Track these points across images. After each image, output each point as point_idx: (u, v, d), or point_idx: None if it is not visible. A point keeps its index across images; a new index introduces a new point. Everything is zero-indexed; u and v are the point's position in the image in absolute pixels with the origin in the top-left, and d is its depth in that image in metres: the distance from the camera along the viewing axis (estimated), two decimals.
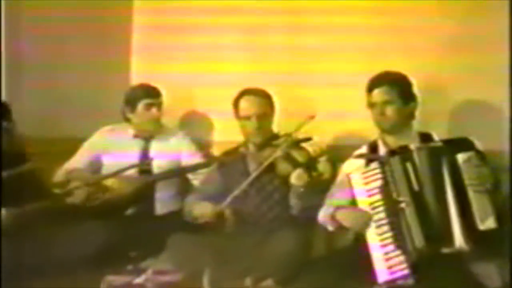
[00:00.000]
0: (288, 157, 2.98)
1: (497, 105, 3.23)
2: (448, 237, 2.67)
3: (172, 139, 3.52)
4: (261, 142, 3.11)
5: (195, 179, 3.44)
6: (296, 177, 2.90)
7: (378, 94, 2.91)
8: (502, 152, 3.07)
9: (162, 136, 3.52)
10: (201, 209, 3.11)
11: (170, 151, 3.49)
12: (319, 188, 2.94)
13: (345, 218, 2.82)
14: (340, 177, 2.98)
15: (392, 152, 2.84)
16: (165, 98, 3.52)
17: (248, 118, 3.15)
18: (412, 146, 2.80)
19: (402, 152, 2.79)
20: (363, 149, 3.00)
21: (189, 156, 3.50)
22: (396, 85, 2.91)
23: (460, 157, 2.72)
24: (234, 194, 3.03)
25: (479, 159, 2.71)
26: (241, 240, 3.08)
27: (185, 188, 3.48)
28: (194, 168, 3.42)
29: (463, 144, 2.78)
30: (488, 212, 2.64)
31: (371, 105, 2.94)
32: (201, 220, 3.07)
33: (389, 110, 2.90)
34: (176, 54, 3.71)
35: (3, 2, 3.73)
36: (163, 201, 3.46)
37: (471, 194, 2.67)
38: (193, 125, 3.73)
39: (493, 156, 2.88)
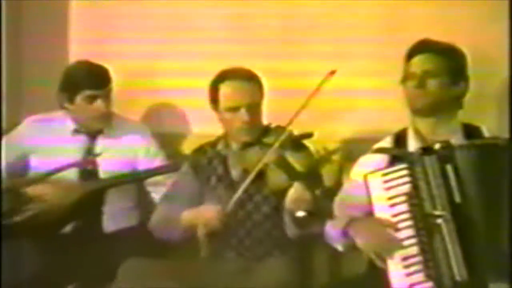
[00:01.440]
0: (282, 163, 2.70)
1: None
2: (499, 269, 2.40)
3: (126, 134, 3.25)
4: (251, 140, 2.84)
5: (156, 192, 3.18)
6: (293, 199, 2.61)
7: (419, 61, 2.69)
8: None
9: (112, 131, 3.24)
10: (200, 214, 2.81)
11: (124, 150, 3.22)
12: (326, 210, 2.66)
13: (361, 233, 2.53)
14: (353, 178, 2.73)
15: (426, 149, 2.54)
16: (117, 81, 3.23)
17: (234, 110, 2.86)
18: (455, 142, 2.53)
19: (441, 149, 2.51)
20: (387, 141, 2.74)
21: (148, 156, 3.24)
22: (445, 55, 2.69)
23: None
24: (236, 196, 2.75)
25: None
26: (219, 268, 2.83)
27: (144, 200, 3.25)
28: (157, 171, 3.15)
29: None
30: None
31: (407, 76, 2.70)
32: (202, 231, 2.76)
33: (432, 83, 2.66)
34: (131, 22, 3.50)
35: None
36: (113, 216, 3.19)
37: None
38: (156, 115, 3.51)
39: None
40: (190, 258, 2.84)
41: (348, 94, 3.15)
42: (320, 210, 2.59)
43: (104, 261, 2.92)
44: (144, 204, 3.22)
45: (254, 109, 2.85)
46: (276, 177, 2.71)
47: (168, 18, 3.43)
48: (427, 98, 2.66)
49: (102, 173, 3.15)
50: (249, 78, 2.89)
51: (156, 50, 3.45)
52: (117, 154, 3.18)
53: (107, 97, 3.14)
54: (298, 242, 2.78)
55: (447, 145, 2.51)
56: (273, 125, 2.87)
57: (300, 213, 2.59)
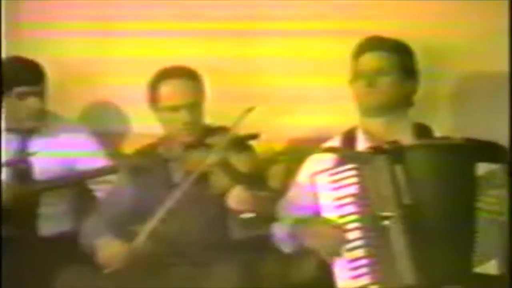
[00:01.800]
0: (225, 165, 2.66)
1: None
2: (451, 271, 2.39)
3: (63, 133, 3.17)
4: (192, 141, 2.79)
5: (99, 190, 3.13)
6: (236, 199, 2.57)
7: (368, 59, 2.67)
8: None
9: (48, 130, 3.15)
10: (107, 251, 2.73)
11: (61, 150, 3.13)
12: (272, 211, 2.65)
13: (309, 234, 2.52)
14: (301, 178, 2.70)
15: (375, 149, 2.51)
16: (53, 77, 3.17)
17: (174, 109, 2.81)
18: (406, 142, 2.50)
19: (391, 149, 2.48)
20: (336, 141, 2.71)
21: (87, 155, 3.15)
22: (395, 52, 2.68)
23: (482, 167, 2.41)
24: (150, 226, 2.69)
25: (505, 179, 2.43)
26: (163, 276, 2.75)
27: (83, 202, 3.17)
28: (96, 173, 3.07)
29: (490, 150, 2.47)
30: (492, 251, 2.39)
31: (356, 75, 2.68)
32: (108, 267, 2.69)
33: (383, 82, 2.65)
34: (69, 15, 3.43)
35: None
36: (50, 219, 3.10)
37: (480, 219, 2.40)
38: (96, 113, 3.44)
39: None
40: (131, 266, 2.71)
41: (296, 92, 3.12)
42: (264, 212, 2.57)
43: (39, 267, 2.82)
44: (80, 207, 3.15)
45: (195, 109, 2.81)
46: (219, 180, 2.67)
47: (108, 10, 3.38)
48: (378, 97, 2.65)
49: (38, 174, 3.06)
50: (190, 76, 2.85)
51: (94, 45, 3.38)
52: (54, 153, 3.09)
53: (40, 95, 3.06)
54: (246, 247, 2.73)
55: (396, 145, 2.48)
56: (215, 125, 2.83)
57: (245, 215, 2.56)
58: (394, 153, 2.46)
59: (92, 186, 3.13)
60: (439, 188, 2.44)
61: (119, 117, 3.40)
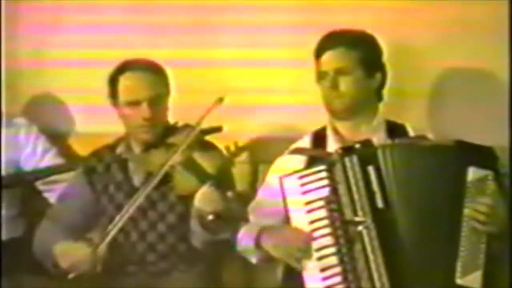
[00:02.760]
0: (190, 165, 2.62)
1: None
2: (423, 280, 2.37)
3: (9, 131, 3.15)
4: (152, 140, 2.73)
5: (49, 191, 3.07)
6: (203, 199, 2.54)
7: (329, 59, 2.62)
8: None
9: None
10: (70, 255, 2.68)
11: (7, 148, 3.11)
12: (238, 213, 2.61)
13: (273, 242, 2.48)
14: (269, 181, 2.67)
15: (346, 149, 2.49)
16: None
17: (134, 104, 2.75)
18: (378, 141, 2.48)
19: (362, 150, 2.46)
20: (305, 141, 2.68)
21: (35, 155, 3.13)
22: (356, 47, 2.63)
23: (472, 172, 2.39)
24: (115, 228, 2.65)
25: (497, 186, 2.40)
26: (119, 285, 2.73)
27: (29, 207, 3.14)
28: (46, 172, 3.04)
29: (484, 155, 2.43)
30: (477, 263, 2.37)
31: (319, 76, 2.65)
32: (72, 272, 2.64)
33: (345, 82, 2.60)
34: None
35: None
36: None
37: (465, 228, 2.38)
38: (43, 110, 3.37)
39: None
40: (84, 274, 2.67)
41: (262, 89, 3.09)
42: (232, 213, 2.54)
43: None
44: (30, 212, 3.12)
45: (157, 104, 2.75)
46: (184, 180, 2.63)
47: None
48: (342, 99, 2.62)
49: None
50: (153, 69, 2.79)
51: (44, 39, 3.34)
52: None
53: None
54: (206, 256, 2.71)
55: (368, 145, 2.46)
56: (180, 124, 2.78)
57: (210, 217, 2.52)
58: (366, 153, 2.44)
59: (41, 188, 3.10)
60: (418, 191, 2.41)
61: (70, 116, 3.37)
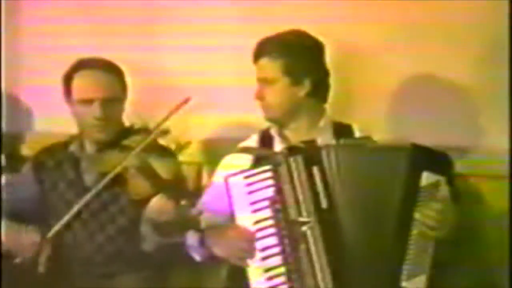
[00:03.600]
0: (145, 169, 2.62)
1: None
2: (365, 281, 2.37)
3: None
4: (105, 140, 2.72)
5: None
6: (157, 209, 2.53)
7: (257, 69, 2.62)
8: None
9: None
10: (18, 240, 2.71)
11: None
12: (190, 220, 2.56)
13: (217, 242, 2.49)
14: (216, 180, 2.67)
15: (291, 149, 2.48)
16: None
17: (87, 102, 2.73)
18: (324, 142, 2.48)
19: (307, 150, 2.45)
20: (253, 140, 2.68)
21: None
22: (280, 54, 2.59)
23: (426, 177, 2.38)
24: (63, 222, 2.67)
25: (450, 192, 2.41)
26: (63, 286, 2.72)
27: None
28: None
29: (439, 160, 2.43)
30: (423, 267, 2.37)
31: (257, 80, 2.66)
32: (19, 256, 2.69)
33: (270, 93, 2.62)
34: None
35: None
36: None
37: (414, 231, 2.37)
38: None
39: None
40: (26, 274, 2.68)
41: (209, 88, 3.07)
42: (184, 221, 2.51)
43: None
44: None
45: (111, 104, 2.72)
46: (138, 184, 2.62)
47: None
48: (270, 111, 2.61)
49: None
50: (107, 69, 2.78)
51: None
52: None
53: None
54: (154, 260, 2.69)
55: (313, 145, 2.45)
56: (134, 126, 2.77)
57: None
58: (311, 154, 2.43)
59: None
60: (364, 192, 2.41)
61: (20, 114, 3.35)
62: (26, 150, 3.29)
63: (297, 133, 2.61)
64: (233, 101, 3.02)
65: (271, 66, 2.58)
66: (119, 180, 2.65)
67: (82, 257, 2.71)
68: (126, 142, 2.69)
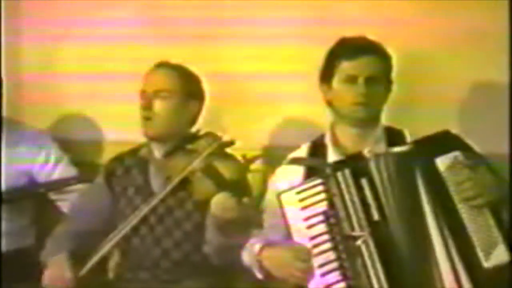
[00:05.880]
0: (210, 171, 2.67)
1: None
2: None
3: (22, 141, 3.18)
4: (171, 145, 2.80)
5: (61, 201, 3.13)
6: (219, 205, 2.57)
7: (362, 64, 2.57)
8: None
9: (6, 138, 3.15)
10: (53, 273, 2.77)
11: (20, 159, 3.14)
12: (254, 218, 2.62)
13: (273, 263, 2.50)
14: (269, 196, 2.67)
15: (340, 162, 2.50)
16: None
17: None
18: (368, 153, 2.46)
19: (354, 162, 2.46)
20: (303, 150, 2.69)
21: (48, 165, 3.16)
22: (380, 56, 2.61)
23: (440, 161, 2.41)
24: (94, 260, 2.76)
25: (470, 160, 2.41)
26: None
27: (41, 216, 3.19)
28: (58, 185, 3.10)
29: (442, 141, 2.47)
30: (494, 238, 2.35)
31: (346, 79, 2.60)
32: None
33: (374, 89, 2.58)
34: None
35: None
36: (7, 234, 3.08)
37: (464, 214, 2.37)
38: (59, 120, 3.43)
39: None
40: (97, 279, 2.78)
41: (271, 97, 3.11)
42: (247, 219, 2.57)
43: None
44: (42, 221, 3.15)
45: (161, 103, 2.81)
46: (203, 186, 2.67)
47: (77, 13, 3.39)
48: (367, 108, 2.57)
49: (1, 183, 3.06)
50: (170, 67, 2.87)
51: (54, 49, 3.40)
52: (13, 163, 3.10)
53: None
54: (218, 267, 2.73)
55: (360, 157, 2.45)
56: (198, 132, 2.84)
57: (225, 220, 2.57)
58: (358, 165, 2.44)
59: (54, 197, 3.13)
60: (408, 195, 2.41)
61: (87, 125, 3.41)
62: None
63: (353, 140, 2.60)
64: (292, 107, 3.06)
65: (377, 63, 2.58)
66: (185, 184, 2.71)
67: (149, 262, 2.77)
68: (191, 146, 2.76)
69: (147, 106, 2.78)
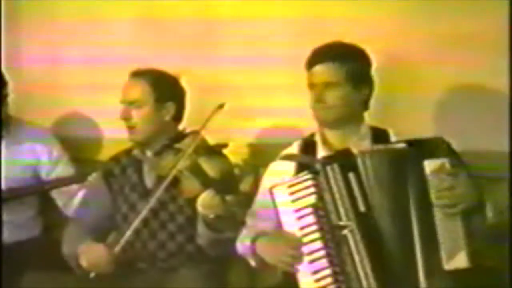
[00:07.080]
0: (195, 169, 2.74)
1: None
2: (408, 276, 2.47)
3: (26, 138, 3.28)
4: (159, 145, 2.91)
5: (60, 199, 3.27)
6: (203, 203, 2.67)
7: (318, 72, 2.69)
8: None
9: (11, 136, 3.25)
10: (91, 255, 2.84)
11: (25, 155, 3.25)
12: (240, 215, 2.73)
13: (266, 250, 2.61)
14: (263, 187, 2.76)
15: (328, 158, 2.61)
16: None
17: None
18: (356, 150, 2.56)
19: (342, 158, 2.57)
20: (294, 148, 2.79)
21: (51, 160, 3.28)
22: (345, 62, 2.69)
23: (428, 165, 2.50)
24: (129, 232, 2.82)
25: (455, 169, 2.50)
26: (128, 282, 2.87)
27: (47, 207, 3.28)
28: (62, 182, 3.21)
29: (434, 146, 2.54)
30: (458, 245, 2.46)
31: (309, 87, 2.73)
32: (92, 272, 2.81)
33: (331, 96, 2.68)
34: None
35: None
36: (14, 226, 3.20)
37: (437, 217, 2.48)
38: (62, 119, 3.54)
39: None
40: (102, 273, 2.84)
41: (263, 93, 3.20)
42: (231, 215, 2.67)
43: (4, 275, 2.94)
44: (47, 212, 3.27)
45: (139, 108, 2.91)
46: (190, 185, 2.75)
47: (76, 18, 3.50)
48: (327, 111, 2.68)
49: (4, 180, 3.17)
50: (138, 75, 2.96)
51: (60, 52, 3.52)
52: (18, 159, 3.21)
53: (3, 100, 3.16)
54: (212, 256, 2.84)
55: (348, 153, 2.56)
56: (185, 130, 2.96)
57: (211, 216, 2.68)
58: (346, 161, 2.54)
59: (54, 195, 3.25)
60: (391, 193, 2.51)
61: (88, 123, 3.52)
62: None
63: (340, 139, 2.70)
64: (285, 104, 3.14)
65: (335, 71, 2.66)
66: (175, 181, 2.79)
67: (146, 254, 2.89)
68: (178, 145, 2.84)
69: (126, 117, 2.89)
